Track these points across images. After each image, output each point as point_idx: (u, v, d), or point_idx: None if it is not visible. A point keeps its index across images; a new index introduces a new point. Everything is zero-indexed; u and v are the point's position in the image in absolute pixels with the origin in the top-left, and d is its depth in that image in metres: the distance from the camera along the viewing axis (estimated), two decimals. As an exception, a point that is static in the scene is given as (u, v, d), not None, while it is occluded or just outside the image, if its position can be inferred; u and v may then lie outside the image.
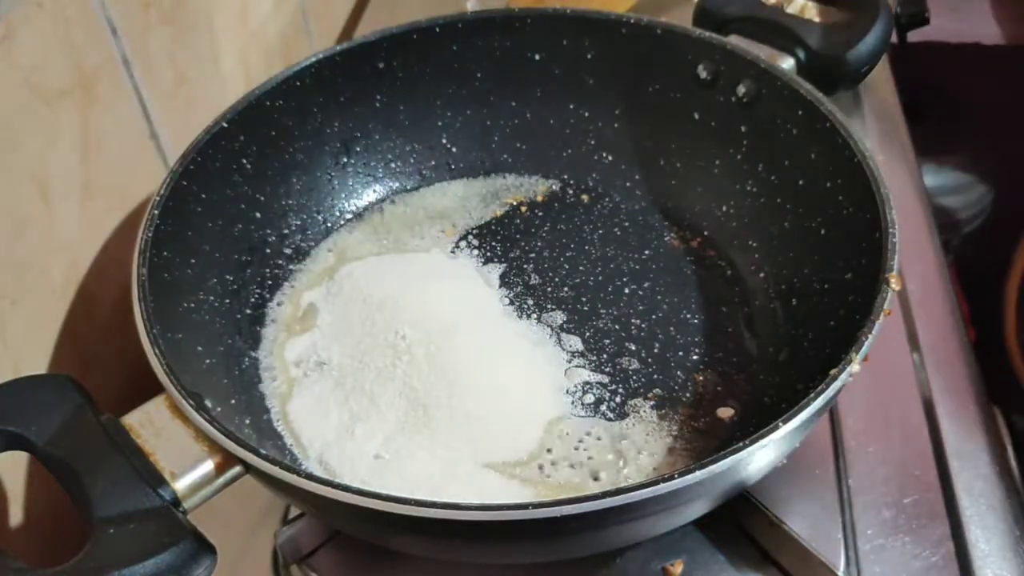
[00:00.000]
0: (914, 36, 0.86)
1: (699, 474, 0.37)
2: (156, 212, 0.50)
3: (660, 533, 0.44)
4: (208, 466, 0.41)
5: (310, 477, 0.38)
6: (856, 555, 0.46)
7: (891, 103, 0.78)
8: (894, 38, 0.85)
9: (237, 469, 0.41)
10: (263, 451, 0.40)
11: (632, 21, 0.62)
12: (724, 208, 0.62)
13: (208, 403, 0.45)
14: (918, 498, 0.49)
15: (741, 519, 0.47)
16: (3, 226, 0.47)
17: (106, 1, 0.54)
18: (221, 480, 0.41)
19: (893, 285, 0.44)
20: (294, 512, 0.50)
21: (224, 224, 0.57)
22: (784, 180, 0.58)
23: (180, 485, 0.40)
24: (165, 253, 0.50)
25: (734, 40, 0.61)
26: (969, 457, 0.51)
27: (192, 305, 0.52)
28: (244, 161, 0.58)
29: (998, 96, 1.17)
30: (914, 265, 0.62)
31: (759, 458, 0.39)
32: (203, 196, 0.54)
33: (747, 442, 0.38)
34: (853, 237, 0.50)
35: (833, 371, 0.41)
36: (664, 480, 0.36)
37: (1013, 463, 0.54)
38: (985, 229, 1.21)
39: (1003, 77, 1.14)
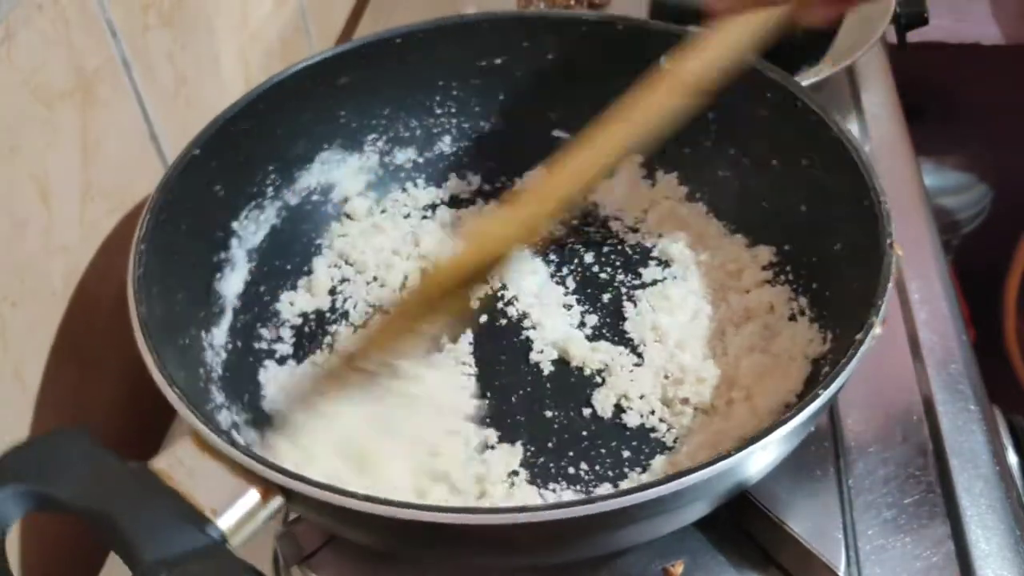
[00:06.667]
0: (914, 36, 0.85)
1: (700, 475, 0.37)
2: (143, 247, 0.48)
3: (661, 535, 0.44)
4: (250, 498, 0.39)
5: (369, 499, 0.37)
6: (857, 555, 0.46)
7: (891, 103, 0.77)
8: (894, 38, 0.86)
9: (281, 499, 0.39)
10: (310, 477, 0.38)
11: (592, 19, 0.62)
12: (698, 195, 0.63)
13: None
14: (918, 498, 0.49)
15: (742, 519, 0.47)
16: (3, 227, 0.47)
17: (106, 3, 0.54)
18: (266, 511, 0.39)
19: (897, 250, 0.45)
20: (294, 514, 0.50)
21: (205, 253, 0.55)
22: (757, 162, 0.59)
23: (224, 521, 0.38)
24: (154, 289, 0.47)
25: (693, 30, 0.61)
26: (969, 457, 0.51)
27: (187, 342, 0.51)
28: (216, 188, 0.55)
29: (998, 96, 1.17)
30: (914, 265, 0.62)
31: (759, 459, 0.39)
32: (183, 227, 0.52)
33: (748, 441, 0.38)
34: (837, 209, 0.51)
35: (831, 371, 0.41)
36: (664, 482, 0.36)
37: (1013, 463, 0.54)
38: (985, 229, 1.21)
39: (1003, 77, 1.14)
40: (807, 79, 0.67)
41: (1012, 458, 0.54)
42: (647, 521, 0.40)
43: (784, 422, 0.38)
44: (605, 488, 0.48)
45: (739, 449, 0.37)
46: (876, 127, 0.74)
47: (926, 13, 0.84)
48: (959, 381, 0.55)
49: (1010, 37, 1.13)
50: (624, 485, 0.48)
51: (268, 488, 0.39)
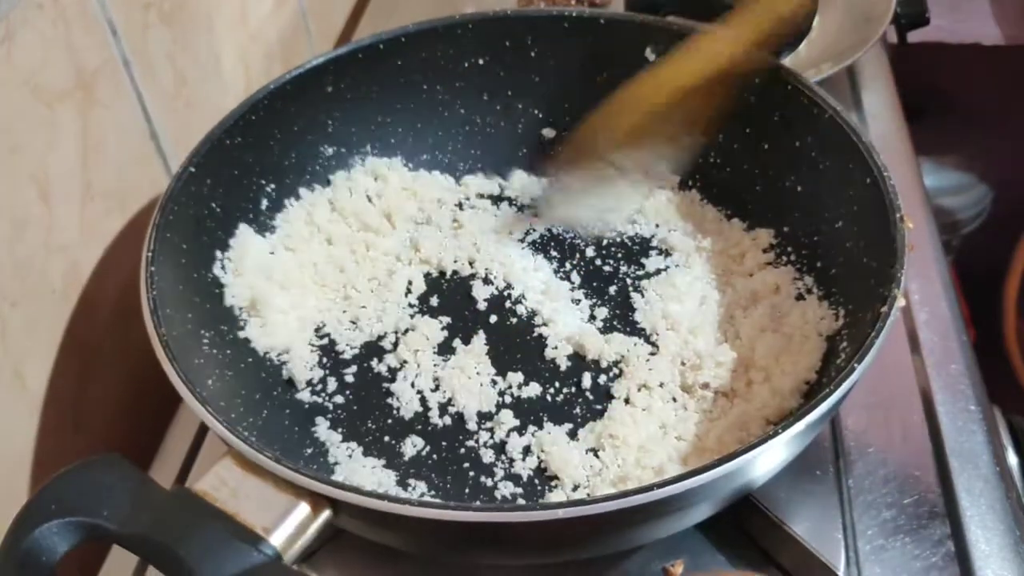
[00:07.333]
0: (914, 36, 0.86)
1: (710, 474, 0.37)
2: (152, 269, 0.47)
3: (664, 536, 0.45)
4: (300, 512, 0.38)
5: (423, 503, 0.37)
6: (856, 555, 0.46)
7: (891, 103, 0.77)
8: (894, 38, 0.86)
9: (330, 510, 0.39)
10: (363, 487, 0.38)
11: (574, 15, 0.62)
12: (689, 183, 0.63)
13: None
14: (918, 498, 0.49)
15: (742, 520, 0.47)
16: (3, 228, 0.47)
17: (106, 2, 0.54)
18: (316, 523, 0.39)
19: (908, 223, 0.46)
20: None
21: (205, 272, 0.54)
22: (747, 147, 0.59)
23: (277, 538, 0.38)
24: (168, 310, 0.47)
25: (674, 21, 0.62)
26: (969, 457, 0.51)
27: (202, 361, 0.49)
28: (213, 204, 0.55)
29: (998, 96, 1.17)
30: (914, 265, 0.62)
31: (766, 460, 0.39)
32: (184, 246, 0.52)
33: (757, 440, 0.38)
34: (837, 188, 0.52)
35: (843, 367, 0.41)
36: (670, 483, 0.36)
37: (1013, 463, 0.54)
38: (985, 229, 1.21)
39: (1003, 77, 1.14)
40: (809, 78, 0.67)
41: (1012, 458, 0.54)
42: (648, 523, 0.40)
43: (826, 396, 0.39)
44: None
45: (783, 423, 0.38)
46: (876, 127, 0.74)
47: (926, 13, 0.84)
48: (959, 381, 0.55)
49: (1010, 37, 1.13)
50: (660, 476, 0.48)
51: (317, 501, 0.39)
